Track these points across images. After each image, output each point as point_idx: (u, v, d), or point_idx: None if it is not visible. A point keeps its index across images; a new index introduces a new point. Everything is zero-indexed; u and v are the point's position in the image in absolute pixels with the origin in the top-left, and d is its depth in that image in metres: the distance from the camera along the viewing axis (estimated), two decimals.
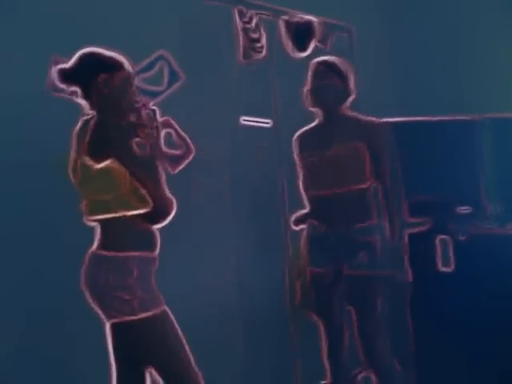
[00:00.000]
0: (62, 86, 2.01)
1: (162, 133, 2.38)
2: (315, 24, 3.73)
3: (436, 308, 2.96)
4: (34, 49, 2.65)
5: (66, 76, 2.00)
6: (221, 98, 3.49)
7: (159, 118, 2.42)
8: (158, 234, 2.07)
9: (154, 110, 2.44)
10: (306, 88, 2.64)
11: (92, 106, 2.01)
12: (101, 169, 1.86)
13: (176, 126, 2.45)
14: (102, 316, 1.94)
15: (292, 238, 3.63)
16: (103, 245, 1.94)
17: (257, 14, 3.56)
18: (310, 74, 2.64)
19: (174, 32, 3.20)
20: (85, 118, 2.01)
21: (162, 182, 1.98)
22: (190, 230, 3.20)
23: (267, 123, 3.71)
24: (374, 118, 2.60)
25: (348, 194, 2.52)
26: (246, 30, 3.49)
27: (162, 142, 2.38)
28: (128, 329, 1.90)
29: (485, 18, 3.88)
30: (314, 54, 3.75)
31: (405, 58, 4.33)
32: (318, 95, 2.59)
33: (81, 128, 1.99)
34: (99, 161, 1.86)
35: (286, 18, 3.70)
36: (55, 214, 2.63)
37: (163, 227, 2.95)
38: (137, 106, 2.18)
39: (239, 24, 3.48)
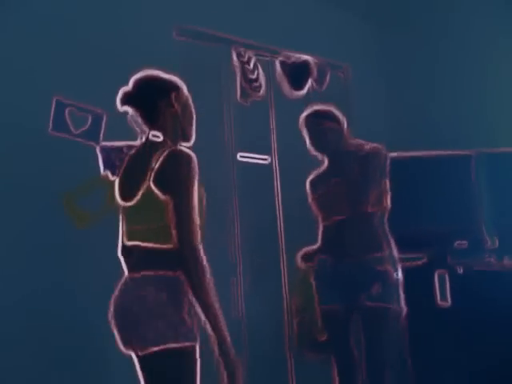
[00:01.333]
0: (123, 109, 1.95)
1: None
2: (311, 63, 3.82)
3: (434, 342, 2.95)
4: (36, 88, 2.73)
5: (129, 98, 1.95)
6: (219, 136, 3.55)
7: None
8: None
9: None
10: (307, 141, 2.73)
11: (157, 129, 1.93)
12: (162, 200, 1.77)
13: None
14: (134, 346, 1.75)
15: (289, 274, 3.65)
16: (146, 266, 1.80)
17: (255, 54, 3.65)
18: (303, 129, 2.73)
19: (173, 72, 3.27)
20: (153, 138, 1.92)
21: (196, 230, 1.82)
22: None
23: (265, 159, 3.76)
24: (367, 143, 2.65)
25: (351, 219, 2.55)
26: (243, 70, 3.57)
27: None
28: (166, 358, 1.72)
29: (477, 54, 3.96)
30: (310, 93, 3.84)
31: (399, 95, 4.40)
32: (317, 144, 2.68)
33: (148, 149, 1.89)
34: (164, 192, 1.78)
35: (281, 58, 3.80)
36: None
37: None
38: (137, 143, 2.19)
39: (237, 64, 3.56)
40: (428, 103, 4.19)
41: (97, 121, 2.80)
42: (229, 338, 1.79)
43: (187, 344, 1.73)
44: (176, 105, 1.96)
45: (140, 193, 1.83)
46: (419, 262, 3.15)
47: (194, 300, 1.78)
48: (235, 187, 3.57)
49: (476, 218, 3.22)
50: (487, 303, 2.82)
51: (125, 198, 1.89)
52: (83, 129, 2.80)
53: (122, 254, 1.88)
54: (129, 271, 1.84)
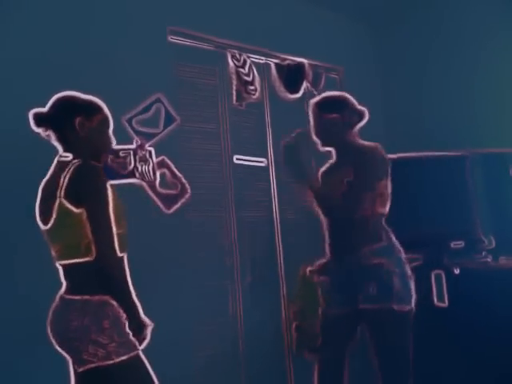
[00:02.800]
0: (38, 130, 1.99)
1: (158, 173, 2.43)
2: (306, 66, 3.83)
3: (432, 343, 2.94)
4: (31, 91, 2.72)
5: (41, 120, 1.99)
6: (215, 139, 3.56)
7: (155, 159, 2.47)
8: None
9: (150, 151, 2.50)
10: (313, 131, 2.58)
11: (68, 149, 1.98)
12: (80, 213, 1.83)
13: (171, 166, 2.49)
14: (74, 363, 1.86)
15: (287, 279, 3.65)
16: (74, 289, 1.88)
17: (249, 57, 3.66)
18: (310, 118, 2.59)
19: (169, 75, 3.28)
20: (61, 159, 1.97)
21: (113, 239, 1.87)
22: (185, 271, 3.21)
23: (261, 162, 3.77)
24: (367, 144, 2.50)
25: (351, 220, 2.39)
26: (239, 73, 3.58)
27: (158, 181, 2.43)
28: (101, 375, 1.82)
29: (472, 55, 3.97)
30: (305, 95, 3.85)
31: (394, 96, 4.42)
32: (321, 136, 2.54)
33: (58, 170, 1.94)
34: (77, 206, 1.84)
35: (277, 61, 3.81)
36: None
37: (157, 268, 2.99)
38: (133, 147, 2.20)
39: (232, 67, 3.57)
40: (423, 104, 4.20)
41: None
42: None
43: (122, 358, 1.82)
44: (80, 130, 1.98)
45: (54, 213, 1.88)
46: (414, 264, 3.15)
47: (118, 312, 1.86)
48: (232, 190, 3.57)
49: (472, 219, 3.23)
50: (484, 303, 2.82)
51: (42, 221, 1.94)
52: None
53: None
54: (63, 291, 1.91)
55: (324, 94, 2.67)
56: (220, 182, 3.53)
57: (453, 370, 2.92)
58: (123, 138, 2.53)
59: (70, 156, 1.97)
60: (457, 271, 3.06)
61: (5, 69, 2.72)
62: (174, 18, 3.35)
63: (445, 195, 3.21)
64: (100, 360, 1.80)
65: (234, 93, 3.56)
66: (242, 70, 3.59)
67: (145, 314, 2.10)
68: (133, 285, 2.52)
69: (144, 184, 2.43)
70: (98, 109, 2.04)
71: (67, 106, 2.01)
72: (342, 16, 4.27)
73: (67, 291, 1.89)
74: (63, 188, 1.86)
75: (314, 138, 2.57)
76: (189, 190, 2.48)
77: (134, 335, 1.87)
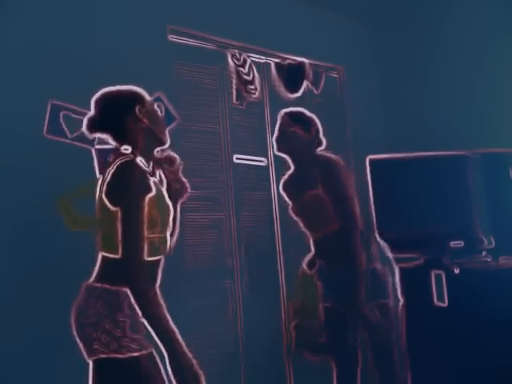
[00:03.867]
0: (94, 135, 1.97)
1: (157, 172, 2.43)
2: (306, 65, 3.83)
3: (432, 342, 2.95)
4: (31, 93, 2.72)
5: (95, 124, 1.94)
6: (215, 138, 3.56)
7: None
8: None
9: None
10: (274, 136, 2.76)
11: (126, 143, 1.94)
12: (116, 211, 1.81)
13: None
14: (85, 351, 1.83)
15: (287, 279, 3.65)
16: (98, 277, 1.87)
17: (250, 56, 3.66)
18: (277, 123, 2.76)
19: (169, 75, 3.28)
20: (122, 151, 1.94)
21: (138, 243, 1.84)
22: (185, 271, 3.21)
23: (261, 162, 3.77)
24: (325, 154, 2.67)
25: (331, 235, 2.57)
26: (239, 73, 3.58)
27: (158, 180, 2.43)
28: (112, 367, 1.81)
29: (472, 54, 3.97)
30: (306, 95, 3.86)
31: (394, 95, 4.41)
32: (281, 143, 2.72)
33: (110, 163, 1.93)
34: (114, 205, 1.82)
35: (277, 60, 3.81)
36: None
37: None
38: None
39: (232, 67, 3.57)
40: (423, 104, 4.20)
41: None
42: (185, 350, 1.84)
43: (133, 354, 1.79)
44: (142, 118, 1.94)
45: (98, 203, 1.88)
46: (415, 263, 3.16)
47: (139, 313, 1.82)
48: (232, 190, 3.57)
49: (472, 219, 3.23)
50: (484, 303, 2.82)
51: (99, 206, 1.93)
52: (78, 132, 2.79)
53: None
54: (93, 279, 1.89)
55: (298, 109, 2.82)
56: (220, 181, 3.53)
57: (453, 369, 2.92)
58: None
59: (129, 149, 1.94)
60: (457, 271, 3.06)
61: (5, 69, 2.72)
62: (174, 18, 3.35)
63: (445, 195, 3.21)
64: (111, 352, 1.78)
65: (234, 92, 3.56)
66: (242, 69, 3.59)
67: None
68: None
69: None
70: (144, 95, 1.99)
71: (118, 101, 1.96)
72: (342, 16, 4.27)
73: (94, 279, 1.88)
74: (105, 183, 1.86)
75: (274, 141, 2.74)
76: (188, 190, 2.48)
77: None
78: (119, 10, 3.14)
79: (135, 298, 1.81)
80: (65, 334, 1.87)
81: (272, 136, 3.78)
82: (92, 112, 1.95)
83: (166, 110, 2.75)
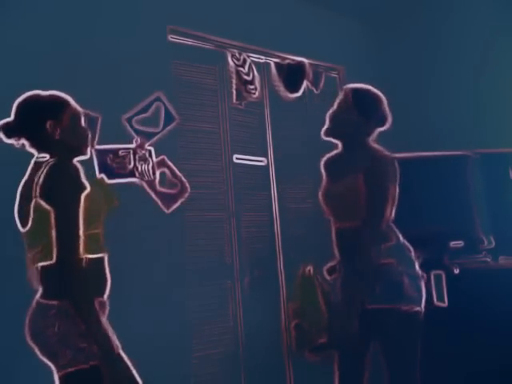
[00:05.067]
0: (9, 141, 1.91)
1: (158, 172, 2.43)
2: (306, 65, 3.83)
3: (432, 342, 2.94)
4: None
5: (11, 130, 1.90)
6: (215, 138, 3.55)
7: (155, 158, 2.47)
8: (107, 278, 1.91)
9: (149, 151, 2.49)
10: (329, 114, 2.46)
11: (44, 151, 1.91)
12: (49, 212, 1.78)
13: (171, 165, 2.49)
14: (53, 367, 1.79)
15: (287, 279, 3.65)
16: (47, 293, 1.81)
17: (249, 56, 3.66)
18: (338, 100, 2.46)
19: (169, 75, 3.28)
20: (38, 160, 1.90)
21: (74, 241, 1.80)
22: (185, 271, 3.21)
23: (261, 161, 3.77)
24: (380, 149, 2.41)
25: (355, 228, 2.31)
26: (239, 73, 3.58)
27: (158, 181, 2.43)
28: (81, 377, 1.76)
29: (474, 54, 3.97)
30: (305, 95, 3.86)
31: (395, 95, 4.38)
32: (333, 127, 2.44)
33: (34, 171, 1.87)
34: (49, 204, 1.78)
35: (277, 60, 3.81)
36: None
37: (159, 267, 2.99)
38: (132, 146, 2.18)
39: (232, 67, 3.57)
40: (423, 104, 4.20)
41: (91, 124, 2.79)
42: (116, 349, 1.80)
43: (93, 363, 1.76)
44: (57, 132, 1.90)
45: (32, 213, 1.83)
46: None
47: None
48: (232, 189, 3.57)
49: (472, 219, 3.23)
50: (484, 303, 2.81)
51: (21, 223, 1.88)
52: None
53: None
54: (39, 295, 1.84)
55: (364, 87, 2.53)
56: (220, 181, 3.53)
57: (453, 369, 2.92)
58: (123, 137, 2.53)
59: (47, 156, 1.91)
60: (456, 271, 3.06)
61: (5, 69, 2.72)
62: (174, 18, 3.35)
63: (445, 195, 3.21)
64: (80, 363, 1.75)
65: (234, 92, 3.56)
66: (241, 69, 3.59)
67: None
68: (133, 284, 2.53)
69: (144, 183, 2.42)
70: (65, 104, 1.95)
71: (33, 110, 1.93)
72: (342, 16, 4.27)
73: (42, 295, 1.82)
74: (38, 186, 1.80)
75: (327, 120, 2.46)
76: (188, 190, 2.48)
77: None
78: (119, 10, 3.14)
79: (73, 304, 1.77)
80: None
81: (272, 136, 3.81)
82: (11, 117, 1.92)
83: (166, 111, 2.74)
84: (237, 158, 3.62)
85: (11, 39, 2.76)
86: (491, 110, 3.82)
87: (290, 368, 3.61)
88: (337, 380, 2.45)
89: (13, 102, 2.64)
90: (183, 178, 2.48)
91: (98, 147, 2.75)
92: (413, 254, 2.42)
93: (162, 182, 2.45)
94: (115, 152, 2.45)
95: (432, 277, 3.09)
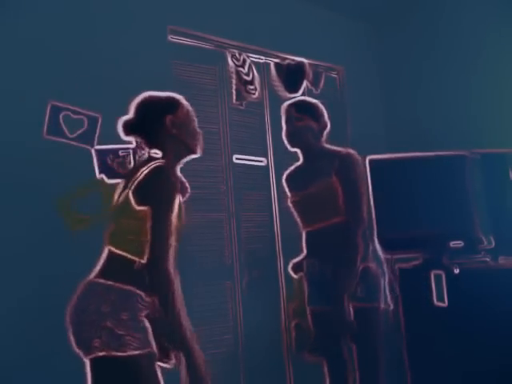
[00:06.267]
0: (128, 138, 1.99)
1: None
2: (306, 65, 3.83)
3: (432, 343, 2.95)
4: (31, 94, 2.72)
5: (131, 128, 1.98)
6: (215, 138, 3.56)
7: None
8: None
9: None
10: (283, 131, 2.67)
11: (158, 148, 1.97)
12: (138, 211, 1.83)
13: None
14: (82, 350, 1.80)
15: (287, 279, 3.65)
16: (103, 273, 1.85)
17: (249, 56, 3.67)
18: (283, 118, 2.67)
19: (169, 75, 3.28)
20: (152, 155, 1.97)
21: (171, 249, 1.87)
22: (185, 271, 3.20)
23: (261, 162, 3.77)
24: (342, 149, 2.59)
25: (331, 227, 2.50)
26: (238, 73, 3.58)
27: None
28: (111, 366, 1.78)
29: (472, 54, 3.98)
30: (305, 95, 3.85)
31: (394, 95, 4.42)
32: (293, 138, 2.63)
33: (140, 164, 1.96)
34: (139, 204, 1.83)
35: (276, 60, 3.81)
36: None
37: None
38: (132, 146, 2.18)
39: (232, 67, 3.58)
40: (423, 104, 4.20)
41: (92, 124, 2.80)
42: (199, 354, 1.86)
43: (133, 353, 1.77)
44: (172, 128, 1.97)
45: (121, 198, 1.89)
46: (415, 263, 3.16)
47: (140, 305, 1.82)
48: (232, 190, 3.57)
49: (471, 219, 3.23)
50: (484, 303, 2.81)
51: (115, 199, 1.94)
52: (78, 132, 2.80)
53: None
54: (95, 275, 1.86)
55: (302, 98, 2.77)
56: (220, 181, 3.53)
57: (452, 369, 2.92)
58: (119, 136, 2.53)
59: (159, 154, 1.97)
60: (456, 271, 3.06)
61: (5, 69, 2.73)
62: (175, 18, 3.35)
63: (444, 195, 3.21)
64: (111, 350, 1.76)
65: (234, 92, 3.57)
66: (241, 69, 3.60)
67: None
68: None
69: None
70: (181, 103, 2.04)
71: (152, 107, 1.99)
72: (342, 16, 4.27)
73: (96, 275, 1.86)
74: (136, 181, 1.86)
75: (284, 138, 2.65)
76: (188, 190, 2.48)
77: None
78: (119, 10, 3.14)
79: (161, 305, 1.82)
80: (62, 334, 1.85)
81: (272, 136, 3.81)
82: (130, 115, 1.99)
83: None
84: (237, 158, 3.62)
85: (11, 39, 2.76)
86: (491, 110, 3.81)
87: (289, 368, 3.61)
88: (328, 380, 2.55)
89: (12, 102, 2.68)
90: (183, 178, 2.49)
91: (97, 147, 2.76)
92: (382, 253, 2.58)
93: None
94: (115, 152, 2.46)
95: (432, 277, 3.10)
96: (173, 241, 1.85)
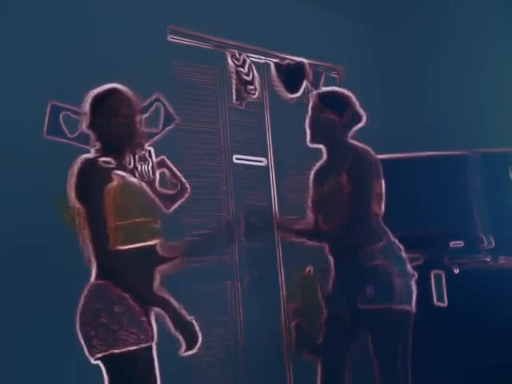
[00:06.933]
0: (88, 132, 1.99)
1: (157, 172, 2.44)
2: (306, 65, 3.83)
3: (432, 342, 2.94)
4: (31, 94, 2.72)
5: (88, 126, 1.99)
6: (215, 139, 3.56)
7: (154, 158, 2.48)
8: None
9: (149, 151, 2.50)
10: (306, 123, 2.51)
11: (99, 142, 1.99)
12: (79, 209, 1.89)
13: (171, 166, 2.49)
14: (88, 351, 1.82)
15: (287, 279, 3.65)
16: (96, 275, 1.88)
17: (249, 57, 3.67)
18: (309, 109, 2.50)
19: (169, 75, 3.28)
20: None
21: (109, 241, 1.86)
22: (184, 271, 3.20)
23: (261, 162, 3.77)
24: (361, 145, 2.43)
25: (345, 226, 2.34)
26: (238, 73, 3.58)
27: (157, 181, 2.43)
28: (113, 363, 1.80)
29: (473, 54, 3.98)
30: (305, 95, 3.85)
31: (394, 96, 4.42)
32: (313, 130, 2.48)
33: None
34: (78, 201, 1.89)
35: (276, 60, 3.81)
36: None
37: None
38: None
39: (232, 67, 3.58)
40: (423, 104, 4.20)
41: None
42: (178, 309, 1.90)
43: (129, 348, 1.78)
44: (106, 116, 1.95)
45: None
46: (415, 263, 3.15)
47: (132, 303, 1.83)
48: (231, 190, 3.57)
49: (472, 218, 3.23)
50: (484, 303, 2.82)
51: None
52: (78, 132, 2.79)
53: None
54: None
55: (329, 89, 2.61)
56: (220, 181, 3.53)
57: (452, 369, 2.92)
58: None
59: (98, 145, 1.98)
60: (456, 271, 3.06)
61: (5, 69, 2.72)
62: (174, 18, 3.35)
63: (445, 195, 3.21)
64: (110, 347, 1.77)
65: (234, 92, 3.56)
66: (241, 69, 3.60)
67: None
68: None
69: (143, 183, 2.43)
70: (115, 91, 1.99)
71: (94, 103, 1.99)
72: (342, 16, 4.27)
73: (94, 278, 1.90)
74: (71, 184, 1.90)
75: (307, 129, 2.51)
76: (188, 190, 2.49)
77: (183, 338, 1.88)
78: (119, 11, 3.14)
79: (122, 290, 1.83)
80: (67, 335, 1.88)
81: (272, 136, 3.81)
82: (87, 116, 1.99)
83: (166, 111, 2.75)
84: (237, 158, 3.62)
85: (11, 39, 2.76)
86: (491, 110, 3.82)
87: (289, 368, 3.61)
88: (319, 380, 2.45)
89: (12, 102, 2.68)
90: (183, 179, 2.49)
91: (97, 147, 2.74)
92: (403, 253, 2.43)
93: (161, 183, 2.46)
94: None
95: (432, 277, 3.09)
96: (112, 223, 1.85)
